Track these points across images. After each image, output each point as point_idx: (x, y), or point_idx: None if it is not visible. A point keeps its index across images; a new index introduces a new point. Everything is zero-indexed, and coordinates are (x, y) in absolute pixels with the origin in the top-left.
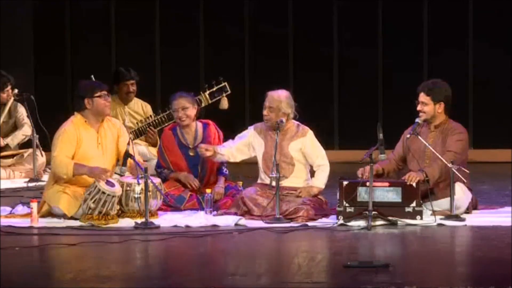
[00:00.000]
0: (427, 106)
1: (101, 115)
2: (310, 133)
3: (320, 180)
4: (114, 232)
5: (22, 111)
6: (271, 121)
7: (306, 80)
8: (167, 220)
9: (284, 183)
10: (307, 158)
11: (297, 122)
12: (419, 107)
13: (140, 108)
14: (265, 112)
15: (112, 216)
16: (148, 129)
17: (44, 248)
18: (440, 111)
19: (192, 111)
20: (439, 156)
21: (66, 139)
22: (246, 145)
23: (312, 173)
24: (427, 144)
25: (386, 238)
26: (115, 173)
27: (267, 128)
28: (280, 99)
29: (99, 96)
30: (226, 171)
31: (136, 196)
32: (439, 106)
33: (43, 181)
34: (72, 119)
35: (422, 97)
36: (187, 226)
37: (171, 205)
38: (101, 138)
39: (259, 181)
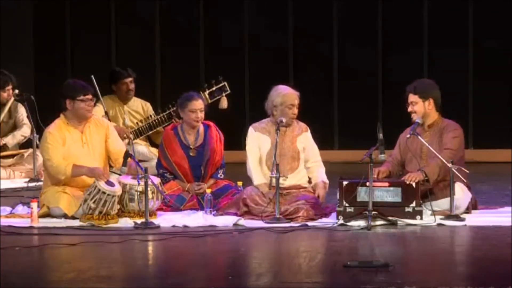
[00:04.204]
0: (417, 105)
1: (81, 118)
2: (308, 129)
3: (324, 175)
4: (114, 232)
5: (22, 111)
6: (295, 118)
7: (306, 80)
8: (166, 220)
9: (289, 181)
10: (305, 153)
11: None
12: (409, 108)
13: (139, 107)
14: (294, 111)
15: (112, 216)
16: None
17: (44, 248)
18: (430, 108)
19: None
20: (437, 155)
21: (53, 141)
22: (258, 149)
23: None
24: (426, 144)
25: (386, 238)
26: (115, 173)
27: (271, 125)
28: (297, 93)
29: (81, 100)
30: (221, 175)
31: (136, 196)
32: (429, 103)
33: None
34: (56, 121)
35: (411, 97)
36: (185, 226)
37: (171, 206)
38: (86, 138)
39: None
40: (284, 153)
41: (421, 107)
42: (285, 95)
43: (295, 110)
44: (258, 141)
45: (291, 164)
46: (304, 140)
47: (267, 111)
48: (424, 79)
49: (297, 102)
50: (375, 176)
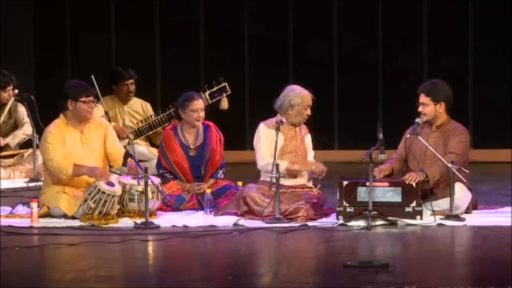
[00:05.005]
0: (428, 107)
1: (82, 119)
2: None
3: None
4: (114, 232)
5: (22, 110)
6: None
7: (306, 80)
8: (166, 220)
9: (298, 180)
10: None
11: None
12: (420, 109)
13: (139, 107)
14: (309, 112)
15: (112, 216)
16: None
17: (44, 248)
18: (441, 111)
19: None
20: (440, 157)
21: (53, 140)
22: (272, 145)
23: None
24: (427, 145)
25: (386, 238)
26: (115, 172)
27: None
28: (312, 95)
29: (83, 101)
30: (221, 175)
31: (136, 196)
32: (440, 106)
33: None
34: (55, 121)
35: (422, 98)
36: (185, 226)
37: (171, 206)
38: (86, 138)
39: (264, 178)
40: (296, 150)
41: (431, 110)
42: (303, 96)
43: (309, 112)
44: (271, 138)
45: (302, 162)
46: (307, 141)
47: (280, 109)
48: (437, 81)
49: (311, 103)
50: (376, 175)
